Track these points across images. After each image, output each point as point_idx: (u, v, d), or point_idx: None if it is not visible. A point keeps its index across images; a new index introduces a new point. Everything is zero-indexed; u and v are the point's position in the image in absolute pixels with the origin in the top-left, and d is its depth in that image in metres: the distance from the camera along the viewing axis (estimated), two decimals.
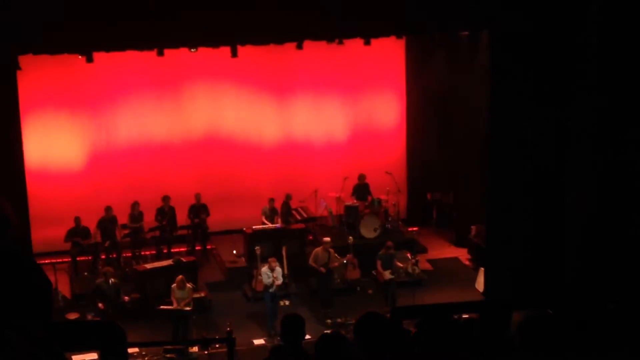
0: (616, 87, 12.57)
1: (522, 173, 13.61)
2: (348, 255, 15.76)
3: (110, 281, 14.42)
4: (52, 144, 17.10)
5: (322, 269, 15.13)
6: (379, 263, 15.40)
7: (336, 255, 15.41)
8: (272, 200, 17.18)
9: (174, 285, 14.13)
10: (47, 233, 16.35)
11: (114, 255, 16.54)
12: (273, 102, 18.35)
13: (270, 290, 14.45)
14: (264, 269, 14.60)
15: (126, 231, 16.61)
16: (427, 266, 16.94)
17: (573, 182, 13.26)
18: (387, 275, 15.22)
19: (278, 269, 14.63)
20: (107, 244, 16.28)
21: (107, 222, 16.37)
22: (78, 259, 16.23)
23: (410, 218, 18.73)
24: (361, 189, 17.78)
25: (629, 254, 12.33)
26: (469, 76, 16.99)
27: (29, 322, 1.90)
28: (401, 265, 15.54)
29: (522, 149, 13.57)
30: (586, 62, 12.79)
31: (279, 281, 14.54)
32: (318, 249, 15.35)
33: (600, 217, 12.80)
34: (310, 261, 15.31)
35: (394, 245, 15.68)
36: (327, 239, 15.55)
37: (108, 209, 16.32)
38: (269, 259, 14.70)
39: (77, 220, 16.13)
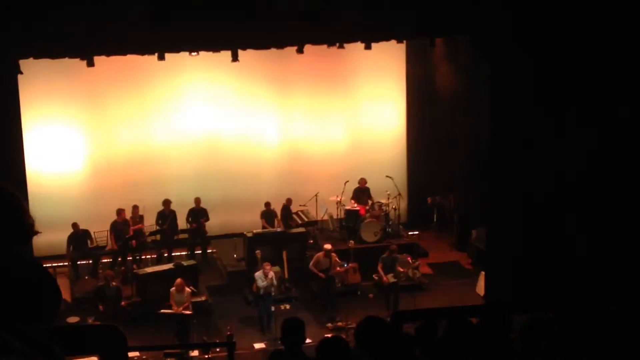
0: (616, 87, 12.57)
1: (523, 176, 13.60)
2: (350, 264, 15.76)
3: (111, 284, 14.42)
4: (53, 147, 17.12)
5: (322, 275, 15.13)
6: (380, 266, 15.40)
7: (337, 260, 15.40)
8: (267, 203, 17.17)
9: (172, 288, 14.13)
10: (47, 237, 16.34)
11: (120, 259, 16.53)
12: (274, 106, 18.36)
13: (261, 292, 14.44)
14: (258, 273, 14.60)
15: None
16: (428, 270, 16.92)
17: (574, 185, 13.25)
18: (390, 278, 15.22)
19: (271, 273, 14.61)
20: (108, 247, 16.27)
21: (120, 225, 16.37)
22: (78, 262, 16.25)
23: (411, 222, 18.72)
24: (362, 193, 17.77)
25: (631, 256, 12.32)
26: (469, 80, 17.01)
27: (28, 325, 1.91)
28: (402, 270, 15.53)
29: (523, 153, 13.57)
30: (587, 63, 12.79)
31: (275, 282, 14.54)
32: (319, 255, 15.33)
33: (602, 220, 12.79)
34: (311, 265, 15.29)
35: (397, 249, 15.69)
36: (328, 245, 15.52)
37: (119, 211, 16.31)
38: (263, 264, 14.70)
39: (75, 225, 16.13)
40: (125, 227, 16.39)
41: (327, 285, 15.21)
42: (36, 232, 2.14)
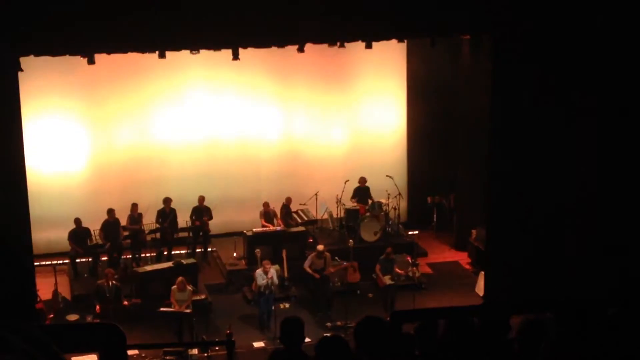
0: (618, 89, 12.56)
1: (523, 177, 13.60)
2: (348, 262, 15.76)
3: (110, 283, 14.42)
4: (53, 145, 17.11)
5: (317, 275, 15.16)
6: (378, 267, 15.41)
7: (332, 260, 15.40)
8: (267, 203, 17.17)
9: (174, 287, 14.14)
10: (47, 235, 16.37)
11: (115, 257, 16.53)
12: (274, 105, 18.35)
13: (266, 291, 14.46)
14: (258, 271, 14.63)
15: (126, 233, 16.61)
16: (427, 270, 16.94)
17: (574, 186, 13.24)
18: (387, 280, 15.23)
19: (272, 270, 14.64)
20: (107, 245, 16.27)
21: (111, 224, 16.36)
22: (77, 260, 16.25)
23: (411, 221, 18.73)
24: (362, 192, 17.77)
25: (629, 257, 12.32)
26: (470, 80, 17.00)
27: (27, 324, 1.91)
28: (401, 272, 15.54)
29: (523, 153, 13.56)
30: (588, 65, 12.78)
31: (275, 281, 14.57)
32: (312, 255, 15.37)
33: (601, 221, 12.79)
34: (306, 265, 15.32)
35: (393, 251, 15.70)
36: (321, 247, 15.55)
37: (110, 211, 16.31)
38: (263, 262, 14.74)
39: (77, 221, 16.14)
40: (115, 226, 16.38)
41: (321, 285, 15.22)
42: None
